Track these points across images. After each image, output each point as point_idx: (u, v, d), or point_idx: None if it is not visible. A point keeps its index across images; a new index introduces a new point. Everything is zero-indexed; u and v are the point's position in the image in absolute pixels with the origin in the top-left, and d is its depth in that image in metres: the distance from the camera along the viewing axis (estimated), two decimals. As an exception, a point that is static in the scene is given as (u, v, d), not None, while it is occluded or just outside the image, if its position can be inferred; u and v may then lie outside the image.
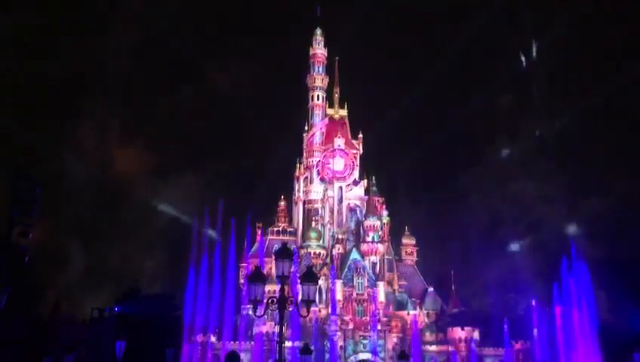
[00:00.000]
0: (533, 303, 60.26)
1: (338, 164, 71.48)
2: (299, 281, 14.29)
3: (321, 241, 66.90)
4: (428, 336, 61.70)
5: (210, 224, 60.53)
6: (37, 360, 42.75)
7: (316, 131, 72.57)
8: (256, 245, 70.70)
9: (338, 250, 65.27)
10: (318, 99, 73.64)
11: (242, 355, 54.14)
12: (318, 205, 69.98)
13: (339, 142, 71.40)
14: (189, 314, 58.19)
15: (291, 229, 70.10)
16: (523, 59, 72.97)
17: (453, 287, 65.12)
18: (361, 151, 72.49)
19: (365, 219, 65.73)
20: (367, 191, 69.96)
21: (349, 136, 73.07)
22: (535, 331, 58.97)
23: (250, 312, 54.40)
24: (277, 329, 48.33)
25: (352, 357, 59.08)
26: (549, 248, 60.91)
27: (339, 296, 60.40)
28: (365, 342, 59.36)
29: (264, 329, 57.57)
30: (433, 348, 60.94)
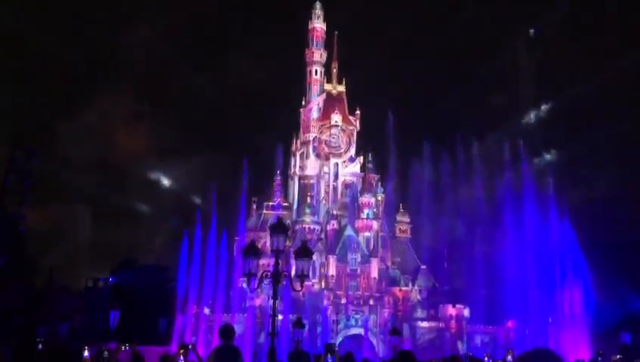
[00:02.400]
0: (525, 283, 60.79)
1: (335, 140, 71.38)
2: (293, 256, 14.39)
3: (315, 217, 67.14)
4: (419, 313, 62.44)
5: (202, 198, 60.53)
6: (32, 328, 43.08)
7: (313, 106, 72.28)
8: (251, 219, 70.99)
9: (333, 225, 65.54)
10: (316, 74, 73.16)
11: (235, 327, 54.61)
12: (314, 181, 70.04)
13: (336, 118, 71.19)
14: (182, 286, 58.62)
15: (286, 204, 70.22)
16: (532, 31, 71.40)
17: (445, 265, 65.60)
18: (359, 128, 72.35)
19: (360, 195, 65.91)
20: (363, 168, 70.04)
21: (347, 113, 72.79)
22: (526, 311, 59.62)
23: (244, 285, 54.83)
24: (270, 302, 48.78)
25: (343, 332, 59.81)
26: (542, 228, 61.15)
27: (332, 272, 60.87)
28: (357, 316, 60.04)
29: (257, 302, 58.10)
30: (424, 324, 61.72)
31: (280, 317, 52.08)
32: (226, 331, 9.61)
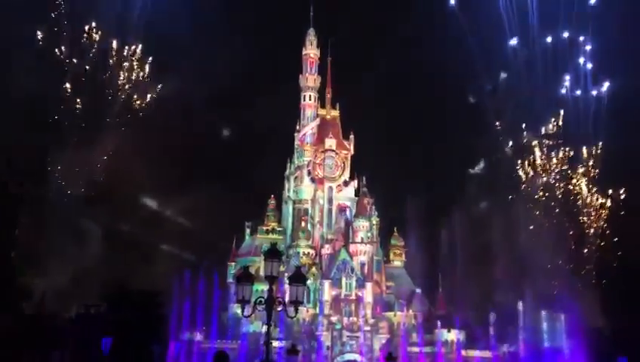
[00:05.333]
0: (520, 307, 60.64)
1: (329, 164, 71.58)
2: (287, 282, 14.29)
3: (310, 241, 66.90)
4: (415, 338, 61.94)
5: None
6: (22, 354, 42.43)
7: (307, 131, 72.59)
8: (245, 244, 70.69)
9: (327, 250, 65.33)
10: (310, 99, 73.66)
11: (229, 354, 54.04)
12: (308, 205, 69.96)
13: (330, 142, 71.48)
14: (176, 312, 58.02)
15: (280, 229, 70.03)
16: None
17: (440, 289, 65.37)
18: (352, 152, 72.64)
19: (355, 219, 65.84)
20: (357, 192, 70.11)
21: (341, 137, 73.18)
22: (521, 335, 59.39)
23: (238, 311, 54.35)
24: (264, 329, 48.37)
25: (338, 358, 59.20)
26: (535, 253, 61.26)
27: (327, 297, 60.47)
28: (352, 342, 59.51)
29: (251, 328, 57.54)
30: (420, 349, 61.18)
31: (274, 343, 51.71)
32: (220, 358, 9.49)
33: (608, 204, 66.44)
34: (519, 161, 69.94)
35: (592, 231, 65.78)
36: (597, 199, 66.66)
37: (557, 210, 66.57)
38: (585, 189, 66.94)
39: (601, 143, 66.65)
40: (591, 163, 67.24)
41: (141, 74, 65.78)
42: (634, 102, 62.62)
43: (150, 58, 65.18)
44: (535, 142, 69.37)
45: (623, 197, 65.29)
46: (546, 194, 68.24)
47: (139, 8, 59.90)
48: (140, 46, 64.09)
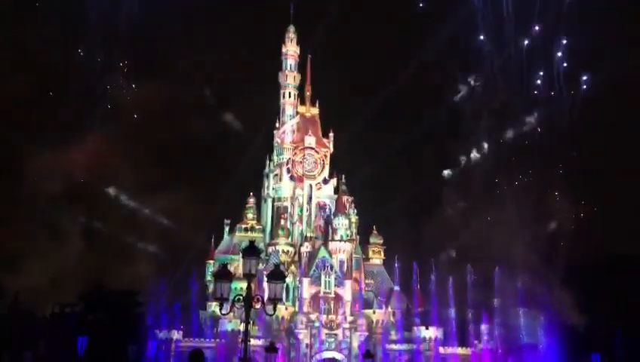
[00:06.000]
0: (495, 302, 61.28)
1: (308, 162, 71.49)
2: (266, 279, 14.15)
3: (289, 239, 66.77)
4: (394, 335, 62.20)
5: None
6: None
7: (287, 129, 72.38)
8: (224, 241, 70.28)
9: (306, 248, 65.17)
10: (289, 96, 73.47)
11: (207, 353, 53.67)
12: (288, 203, 69.79)
13: (309, 140, 71.37)
14: (153, 311, 57.47)
15: (259, 226, 69.79)
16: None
17: (418, 287, 65.69)
18: (332, 150, 72.65)
19: (334, 217, 65.86)
20: (336, 190, 70.13)
21: (320, 135, 73.09)
22: (496, 332, 60.00)
23: (217, 309, 54.02)
24: (243, 327, 48.10)
25: (317, 355, 59.20)
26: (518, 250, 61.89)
27: (306, 294, 60.41)
28: (331, 340, 59.56)
29: (230, 326, 57.23)
30: (398, 346, 61.46)
31: (254, 341, 51.47)
32: (196, 356, 9.32)
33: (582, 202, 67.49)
34: (495, 160, 70.61)
35: (564, 228, 66.68)
36: (571, 197, 67.59)
37: (531, 209, 67.35)
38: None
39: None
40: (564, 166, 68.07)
41: (122, 75, 65.21)
42: (609, 100, 63.52)
43: (127, 60, 64.59)
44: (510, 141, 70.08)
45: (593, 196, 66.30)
46: (520, 193, 69.01)
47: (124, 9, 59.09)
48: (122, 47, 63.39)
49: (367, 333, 60.54)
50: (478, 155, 71.47)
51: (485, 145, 70.82)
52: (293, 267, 63.70)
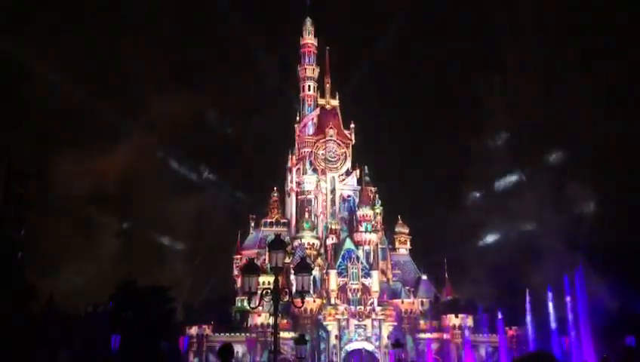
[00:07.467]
0: (527, 291, 60.71)
1: (330, 154, 71.49)
2: (293, 272, 14.29)
3: (314, 232, 66.94)
4: (422, 324, 62.11)
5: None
6: (31, 354, 42.62)
7: (308, 122, 72.42)
8: (249, 236, 70.82)
9: (332, 240, 65.33)
10: (309, 89, 73.46)
11: (237, 347, 54.27)
12: (311, 196, 69.91)
13: (331, 132, 71.33)
14: (184, 307, 58.24)
15: (284, 220, 70.12)
16: None
17: (446, 275, 65.45)
18: (354, 141, 72.48)
19: (358, 208, 65.82)
20: (359, 181, 70.03)
21: (341, 126, 72.98)
22: (528, 318, 59.44)
23: (245, 304, 54.53)
24: (272, 320, 48.51)
25: (347, 346, 59.39)
26: (543, 236, 61.22)
27: (333, 286, 60.58)
28: (360, 330, 59.66)
29: (259, 320, 57.75)
30: (427, 335, 61.36)
31: (283, 334, 51.90)
32: (226, 350, 9.50)
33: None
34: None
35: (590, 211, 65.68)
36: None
37: (557, 192, 66.51)
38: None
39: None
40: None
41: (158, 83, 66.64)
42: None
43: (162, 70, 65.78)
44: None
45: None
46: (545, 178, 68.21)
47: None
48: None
49: (395, 323, 60.53)
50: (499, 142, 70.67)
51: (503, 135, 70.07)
52: (319, 260, 63.89)
